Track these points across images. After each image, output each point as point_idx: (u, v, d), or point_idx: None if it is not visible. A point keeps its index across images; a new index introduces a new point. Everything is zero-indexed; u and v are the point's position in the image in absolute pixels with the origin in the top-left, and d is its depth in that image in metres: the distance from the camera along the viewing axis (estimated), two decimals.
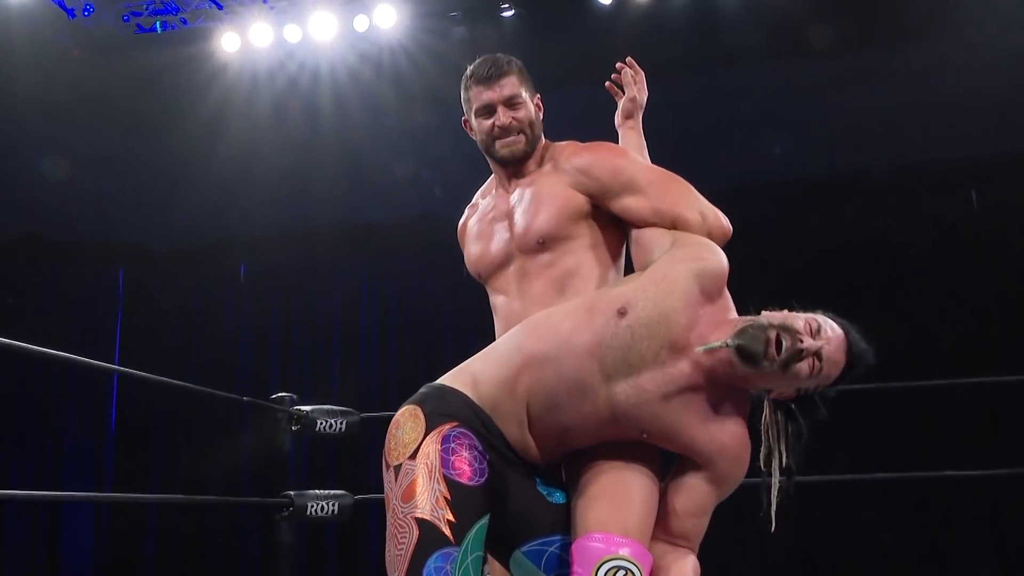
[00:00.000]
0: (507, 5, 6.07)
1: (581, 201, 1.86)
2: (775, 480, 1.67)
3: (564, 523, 1.65)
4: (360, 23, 6.09)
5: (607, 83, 2.15)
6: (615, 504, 1.60)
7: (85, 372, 6.34)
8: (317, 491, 3.06)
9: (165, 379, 2.90)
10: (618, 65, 2.13)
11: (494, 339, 1.85)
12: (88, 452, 6.70)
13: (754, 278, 5.78)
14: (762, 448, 1.70)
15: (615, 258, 1.89)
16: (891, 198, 5.90)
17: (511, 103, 1.91)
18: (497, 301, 1.92)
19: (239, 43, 6.30)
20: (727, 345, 1.56)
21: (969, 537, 5.38)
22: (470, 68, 1.96)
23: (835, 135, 5.97)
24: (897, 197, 5.89)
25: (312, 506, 3.03)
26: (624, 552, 1.55)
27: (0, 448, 6.40)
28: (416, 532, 1.51)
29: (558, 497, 1.69)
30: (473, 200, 2.07)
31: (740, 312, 1.71)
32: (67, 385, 6.59)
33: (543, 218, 1.84)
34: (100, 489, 6.46)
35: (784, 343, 1.55)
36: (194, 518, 6.35)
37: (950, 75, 5.69)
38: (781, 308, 1.65)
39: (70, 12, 6.14)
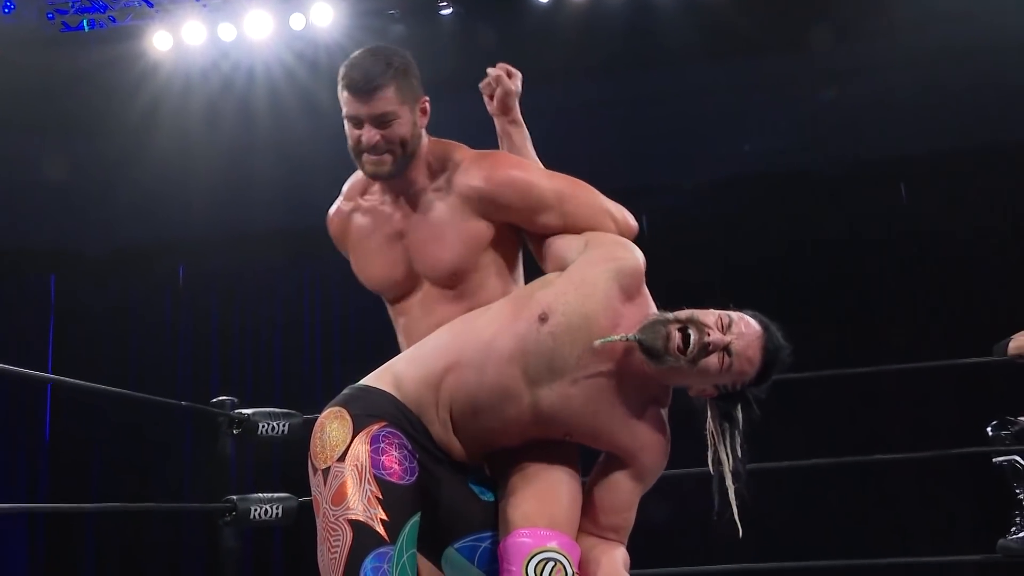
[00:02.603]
0: (445, 3, 6.07)
1: (487, 230, 1.80)
2: (729, 483, 1.68)
3: (495, 519, 1.67)
4: (296, 21, 6.03)
5: (482, 83, 2.00)
6: (540, 500, 1.63)
7: (16, 382, 6.17)
8: (260, 495, 3.03)
9: (101, 387, 2.85)
10: (490, 70, 1.99)
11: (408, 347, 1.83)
12: (20, 463, 6.54)
13: (701, 274, 5.95)
14: (709, 451, 1.72)
15: (514, 270, 1.87)
16: (828, 194, 6.06)
17: (381, 121, 1.75)
18: (401, 321, 1.88)
19: (171, 42, 6.18)
20: (627, 339, 1.59)
21: (910, 515, 5.58)
22: (345, 66, 1.78)
23: (774, 133, 6.11)
24: (834, 193, 6.06)
25: (256, 510, 3.00)
26: (552, 544, 1.58)
27: None
28: (350, 534, 1.49)
29: (490, 495, 1.71)
30: (349, 191, 1.92)
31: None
32: None
33: (454, 254, 1.78)
34: (34, 501, 6.30)
35: (692, 337, 1.57)
36: (135, 527, 6.24)
37: (878, 75, 5.87)
38: (719, 306, 1.65)
39: None
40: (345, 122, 1.80)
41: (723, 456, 1.68)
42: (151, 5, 6.20)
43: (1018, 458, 3.39)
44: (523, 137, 1.98)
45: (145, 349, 6.63)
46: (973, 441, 4.14)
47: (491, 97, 1.98)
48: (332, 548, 1.50)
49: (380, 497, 1.52)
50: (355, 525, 1.50)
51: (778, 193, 6.13)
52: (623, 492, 1.70)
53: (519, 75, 1.98)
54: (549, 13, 6.05)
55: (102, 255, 6.77)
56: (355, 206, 1.91)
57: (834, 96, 5.89)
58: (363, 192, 1.91)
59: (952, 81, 5.65)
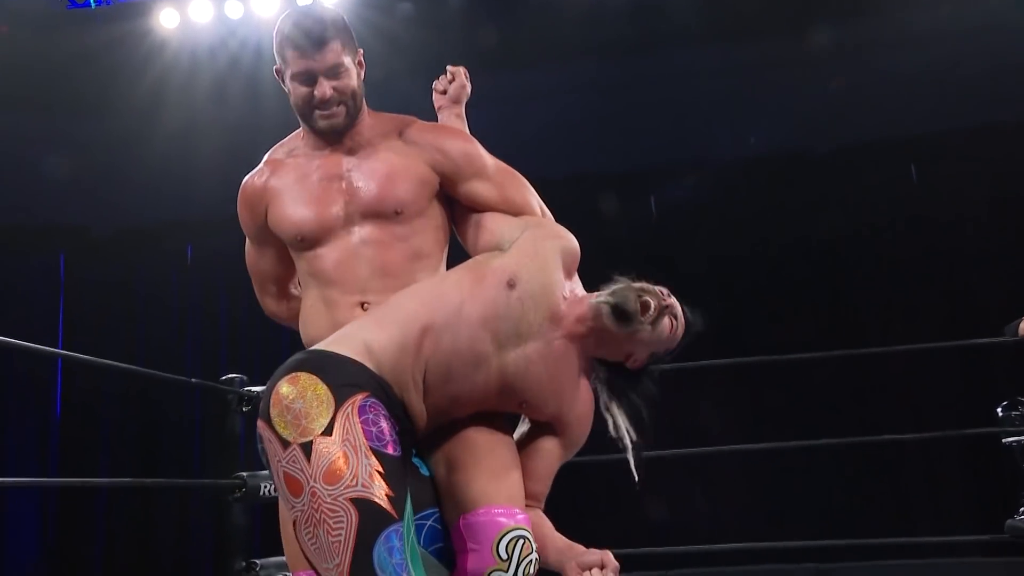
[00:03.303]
0: None
1: (434, 179, 1.82)
2: (629, 454, 1.75)
3: (434, 496, 1.65)
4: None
5: (437, 80, 2.14)
6: (496, 477, 1.64)
7: (27, 357, 6.22)
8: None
9: (111, 362, 2.87)
10: (450, 68, 2.14)
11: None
12: (32, 438, 6.59)
13: (699, 254, 5.94)
14: (609, 425, 1.78)
15: (446, 241, 1.89)
16: (834, 175, 6.03)
17: (334, 73, 1.78)
18: (323, 265, 1.79)
19: (178, 19, 6.17)
20: (608, 303, 1.65)
21: (917, 495, 5.60)
22: (287, 25, 1.80)
23: (778, 114, 6.07)
24: (840, 174, 6.02)
25: (265, 486, 3.02)
26: (520, 519, 1.61)
27: None
28: (355, 514, 1.39)
29: (424, 470, 1.68)
30: (269, 157, 1.92)
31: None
32: (9, 371, 6.46)
33: (404, 188, 1.78)
34: (46, 475, 6.36)
35: (652, 302, 1.67)
36: (144, 502, 6.29)
37: (886, 53, 5.82)
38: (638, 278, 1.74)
39: None
40: (290, 82, 1.81)
41: (623, 432, 1.74)
42: None
43: None
44: (464, 129, 2.07)
45: (153, 327, 6.65)
46: (977, 422, 4.15)
47: (442, 92, 2.10)
48: (333, 530, 1.40)
49: (381, 471, 1.43)
50: (360, 503, 1.40)
51: (784, 176, 6.10)
52: (551, 460, 1.75)
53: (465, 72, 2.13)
54: None
55: (110, 233, 6.79)
56: (279, 163, 1.89)
57: (840, 78, 5.85)
58: (289, 153, 1.90)
59: (962, 61, 5.60)
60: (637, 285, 1.70)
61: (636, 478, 1.74)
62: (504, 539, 1.57)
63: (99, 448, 6.50)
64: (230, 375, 3.13)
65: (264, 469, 3.11)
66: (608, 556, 1.59)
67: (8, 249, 6.50)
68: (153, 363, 3.22)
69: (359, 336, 1.59)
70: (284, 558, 2.98)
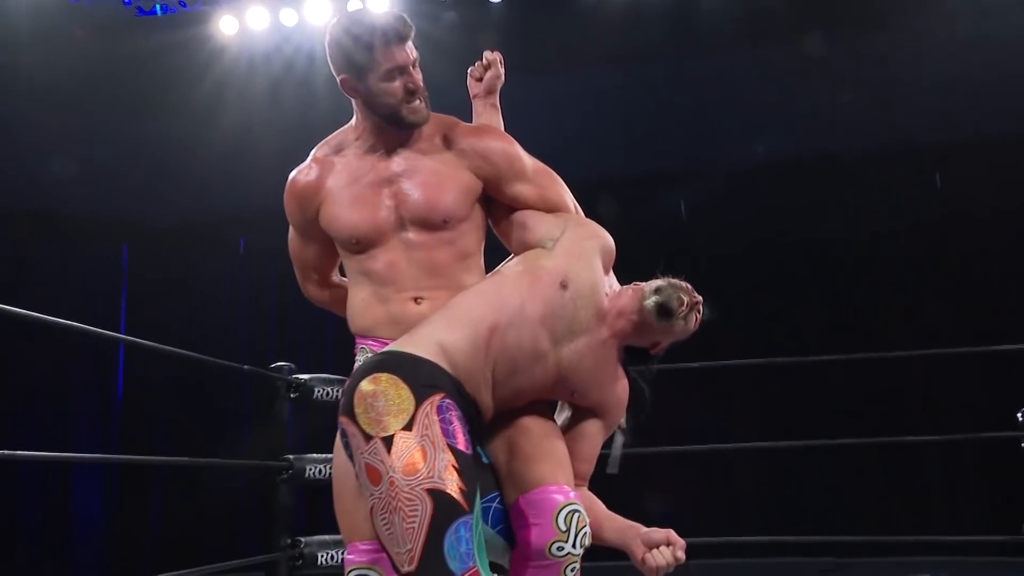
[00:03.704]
0: None
1: (478, 185, 1.83)
2: (617, 438, 1.84)
3: (495, 481, 1.71)
4: (353, 6, 6.03)
5: (473, 67, 2.08)
6: (551, 460, 1.70)
7: (93, 342, 6.32)
8: (315, 455, 3.07)
9: (170, 348, 2.89)
10: (487, 53, 2.08)
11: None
12: (96, 418, 6.71)
13: (733, 252, 5.88)
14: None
15: (483, 238, 1.90)
16: (860, 180, 5.93)
17: (416, 65, 1.79)
18: (375, 266, 1.80)
19: (237, 26, 6.23)
20: (655, 302, 1.71)
21: (925, 493, 5.49)
22: (369, 23, 1.77)
23: (806, 120, 5.98)
24: (866, 179, 5.92)
25: (310, 469, 3.04)
26: (573, 497, 1.67)
27: (16, 413, 6.40)
28: (430, 503, 1.43)
29: (485, 458, 1.72)
30: (318, 155, 1.89)
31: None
32: (76, 354, 6.58)
33: (450, 199, 1.79)
34: (109, 452, 6.47)
35: (685, 300, 1.73)
36: (197, 480, 6.38)
37: (912, 62, 5.71)
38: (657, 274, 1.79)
39: None
40: (379, 81, 1.77)
41: (642, 401, 1.83)
42: None
43: None
44: (499, 119, 2.04)
45: (207, 315, 6.73)
46: (995, 426, 4.06)
47: (478, 79, 2.05)
48: (408, 517, 1.43)
49: (456, 466, 1.47)
50: (435, 495, 1.44)
51: (807, 179, 6.01)
52: (595, 442, 1.81)
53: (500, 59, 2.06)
54: (592, 1, 5.97)
55: (170, 226, 6.88)
56: (330, 163, 1.86)
57: (859, 86, 5.75)
58: (338, 151, 1.88)
59: (978, 72, 5.48)
60: (675, 282, 1.74)
61: (616, 458, 1.83)
62: (562, 513, 1.63)
63: (157, 428, 6.59)
64: (279, 363, 3.15)
65: (309, 452, 3.14)
66: (673, 534, 1.64)
67: (77, 241, 6.62)
68: (206, 350, 3.25)
69: (433, 337, 1.62)
70: (327, 537, 3.01)
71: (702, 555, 4.68)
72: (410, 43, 1.78)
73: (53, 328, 2.38)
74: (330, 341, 6.49)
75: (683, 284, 1.76)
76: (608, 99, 5.88)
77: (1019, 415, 3.48)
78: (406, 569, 1.45)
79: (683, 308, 1.72)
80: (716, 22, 5.85)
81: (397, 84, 1.77)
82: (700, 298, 1.77)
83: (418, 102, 1.79)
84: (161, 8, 6.35)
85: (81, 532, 6.48)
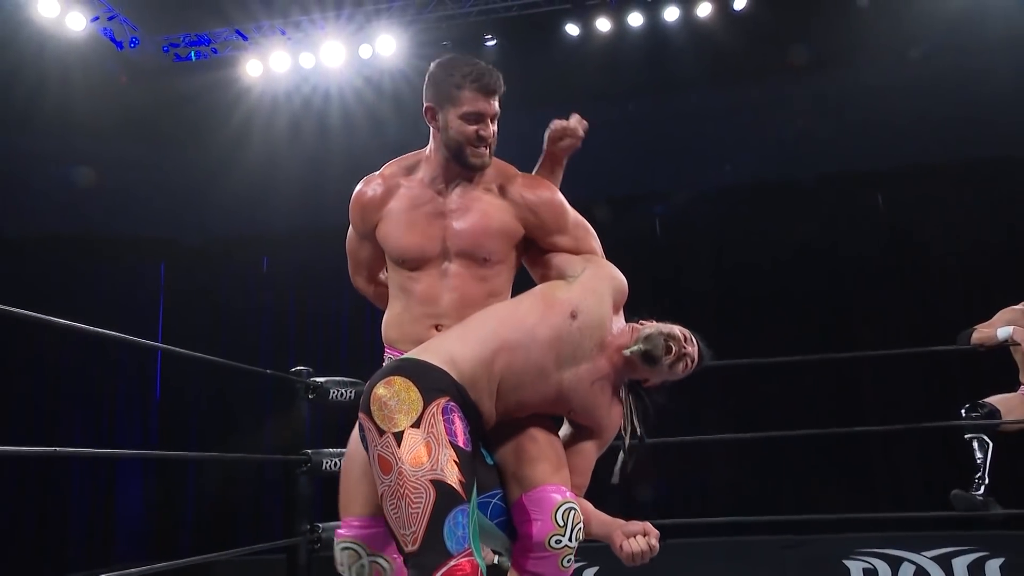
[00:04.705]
0: (490, 36, 6.04)
1: (520, 232, 1.82)
2: (626, 444, 1.82)
3: (498, 480, 1.72)
4: (364, 51, 6.04)
5: (555, 123, 1.92)
6: (551, 462, 1.71)
7: (134, 350, 6.29)
8: (330, 449, 3.05)
9: (201, 355, 2.87)
10: (575, 120, 1.93)
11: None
12: (137, 417, 6.67)
13: (701, 262, 5.88)
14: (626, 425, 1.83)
15: (513, 275, 1.88)
16: (815, 202, 5.95)
17: (494, 119, 1.78)
18: (414, 287, 1.80)
19: (261, 69, 6.25)
20: (640, 349, 1.71)
21: (872, 479, 5.48)
22: (467, 67, 1.75)
23: (766, 148, 6.01)
24: (820, 201, 5.94)
25: (327, 462, 3.01)
26: (570, 496, 1.68)
27: (65, 413, 6.36)
28: (432, 492, 1.45)
29: (489, 459, 1.73)
30: (386, 172, 1.85)
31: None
32: (119, 361, 6.54)
33: (494, 241, 1.79)
34: (148, 448, 6.43)
35: (673, 348, 1.72)
36: (226, 473, 6.33)
37: (861, 97, 5.74)
38: (652, 317, 1.79)
39: (119, 44, 6.12)
40: (456, 119, 1.75)
41: (630, 426, 1.81)
42: (245, 39, 6.25)
43: (984, 435, 3.34)
44: (559, 176, 1.97)
45: (234, 325, 6.69)
46: (930, 417, 4.06)
47: (558, 139, 1.92)
48: (413, 503, 1.46)
49: (456, 461, 1.49)
50: (438, 485, 1.46)
51: (770, 201, 6.02)
52: (590, 457, 1.81)
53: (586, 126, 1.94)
54: (577, 45, 5.99)
55: (200, 246, 6.86)
56: (398, 183, 1.84)
57: (814, 117, 5.77)
58: (408, 174, 1.85)
59: (927, 104, 5.51)
60: (666, 331, 1.73)
61: (626, 467, 1.81)
62: (560, 510, 1.64)
63: (190, 426, 6.55)
64: (298, 367, 3.12)
65: (326, 447, 3.11)
66: (648, 525, 1.66)
67: (120, 259, 6.59)
68: (233, 356, 3.23)
69: (444, 348, 1.64)
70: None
71: (679, 535, 4.68)
72: (497, 99, 1.77)
73: (98, 338, 2.35)
74: (343, 347, 6.47)
75: (677, 332, 1.74)
76: (593, 130, 5.88)
77: (962, 412, 3.47)
78: (409, 548, 1.46)
79: (669, 357, 1.71)
80: (685, 64, 5.87)
81: (472, 128, 1.75)
82: (690, 351, 1.74)
83: (483, 149, 1.77)
84: (195, 55, 6.38)
85: (124, 516, 6.43)
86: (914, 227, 5.75)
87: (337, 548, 1.76)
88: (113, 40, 6.06)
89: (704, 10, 5.78)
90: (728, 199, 6.06)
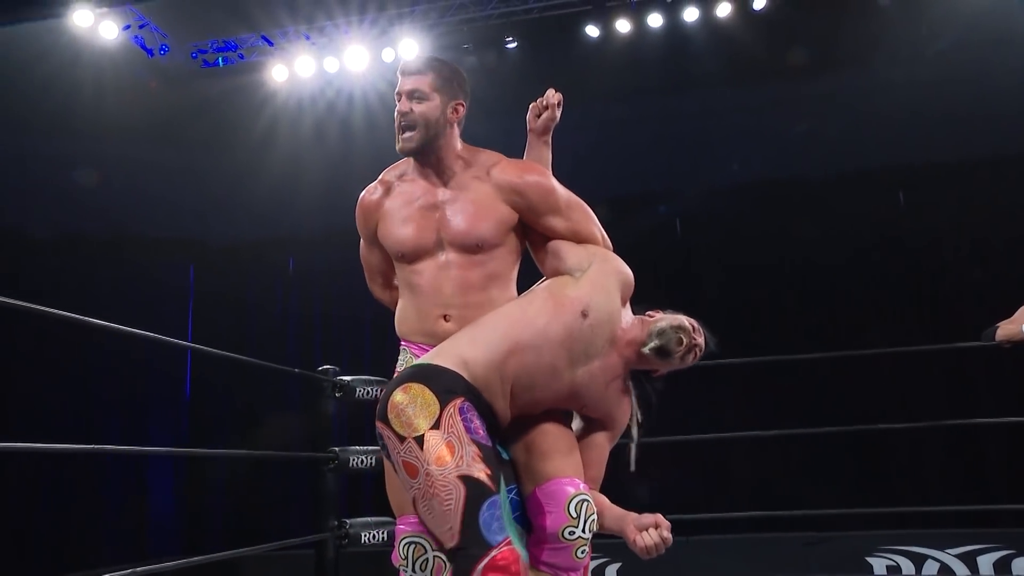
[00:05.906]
0: (510, 39, 6.04)
1: (513, 216, 1.83)
2: (635, 434, 1.83)
3: (513, 474, 1.72)
4: (387, 55, 6.07)
5: (534, 103, 1.97)
6: (565, 456, 1.72)
7: (165, 350, 6.35)
8: (357, 447, 3.06)
9: (230, 354, 2.89)
10: (551, 93, 1.97)
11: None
12: (168, 415, 6.74)
13: (718, 257, 5.84)
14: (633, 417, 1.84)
15: (517, 261, 1.89)
16: (829, 200, 5.88)
17: (413, 96, 1.79)
18: (417, 280, 1.83)
19: (287, 74, 6.29)
20: (656, 345, 1.72)
21: (894, 475, 5.41)
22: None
23: (781, 147, 5.94)
24: (834, 199, 5.87)
25: (354, 459, 3.03)
26: (583, 488, 1.69)
27: (99, 411, 6.44)
28: (463, 488, 1.47)
29: (505, 455, 1.73)
30: (384, 177, 1.92)
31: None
32: (150, 360, 6.61)
33: (485, 227, 1.80)
34: (179, 446, 6.50)
35: (684, 340, 1.73)
36: (255, 469, 6.39)
37: (877, 96, 5.66)
38: (662, 308, 1.79)
39: (149, 51, 6.20)
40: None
41: (636, 416, 1.82)
42: (271, 44, 6.30)
43: None
44: (548, 155, 1.99)
45: (261, 325, 6.74)
46: (954, 414, 3.99)
47: (537, 116, 1.97)
48: (445, 501, 1.47)
49: (480, 455, 1.51)
50: (466, 480, 1.47)
51: (781, 199, 5.96)
52: (603, 450, 1.81)
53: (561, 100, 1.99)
54: (597, 46, 5.97)
55: (228, 247, 6.91)
56: (391, 185, 1.90)
57: (821, 117, 5.71)
58: (400, 176, 1.90)
59: (946, 102, 5.42)
60: (676, 324, 1.74)
61: (634, 457, 1.83)
62: (573, 502, 1.65)
63: (219, 424, 6.61)
64: (324, 366, 3.13)
65: (352, 445, 3.13)
66: (660, 518, 1.65)
67: (151, 260, 6.65)
68: (261, 355, 3.25)
69: (456, 351, 1.65)
70: (369, 519, 3.00)
71: (702, 531, 4.65)
72: (420, 76, 1.80)
73: (130, 337, 2.38)
74: (368, 346, 6.50)
75: (686, 324, 1.75)
76: (612, 128, 5.88)
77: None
78: (450, 544, 1.48)
79: (680, 349, 1.73)
80: (705, 64, 5.83)
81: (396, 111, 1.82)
82: (699, 340, 1.77)
83: (404, 133, 1.81)
84: (223, 60, 6.44)
85: (156, 511, 6.51)
86: (935, 225, 5.65)
87: (401, 544, 1.76)
88: (144, 47, 6.15)
89: (724, 10, 5.74)
90: (746, 196, 6.01)
